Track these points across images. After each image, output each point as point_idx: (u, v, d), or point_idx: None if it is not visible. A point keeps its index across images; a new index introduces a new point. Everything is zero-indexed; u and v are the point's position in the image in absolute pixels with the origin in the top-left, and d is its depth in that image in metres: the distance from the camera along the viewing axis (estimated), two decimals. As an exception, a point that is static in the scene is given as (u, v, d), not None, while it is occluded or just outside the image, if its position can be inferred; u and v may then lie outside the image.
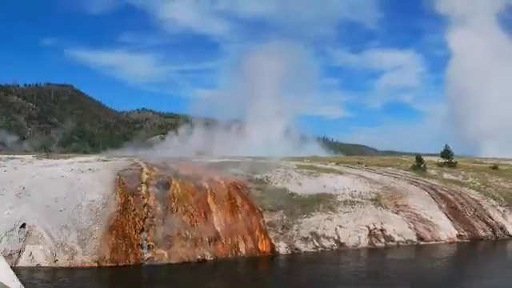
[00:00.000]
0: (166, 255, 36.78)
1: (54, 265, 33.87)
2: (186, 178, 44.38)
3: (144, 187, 41.48)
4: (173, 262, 36.34)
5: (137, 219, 38.35)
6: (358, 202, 47.57)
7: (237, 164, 55.39)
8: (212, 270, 36.18)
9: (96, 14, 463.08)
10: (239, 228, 40.93)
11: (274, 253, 40.43)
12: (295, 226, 43.08)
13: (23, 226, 35.19)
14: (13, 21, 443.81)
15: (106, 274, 33.89)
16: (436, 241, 46.08)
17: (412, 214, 47.71)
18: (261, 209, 43.92)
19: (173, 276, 34.45)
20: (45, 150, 72.09)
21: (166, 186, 42.26)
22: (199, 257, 37.42)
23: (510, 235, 49.37)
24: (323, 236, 43.09)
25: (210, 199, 42.41)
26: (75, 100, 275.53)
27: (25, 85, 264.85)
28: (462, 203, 51.19)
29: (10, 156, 54.96)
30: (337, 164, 63.03)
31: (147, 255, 36.51)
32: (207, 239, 38.82)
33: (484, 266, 40.47)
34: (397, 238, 45.11)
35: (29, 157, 54.76)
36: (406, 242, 44.95)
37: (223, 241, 39.45)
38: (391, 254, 42.55)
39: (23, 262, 33.65)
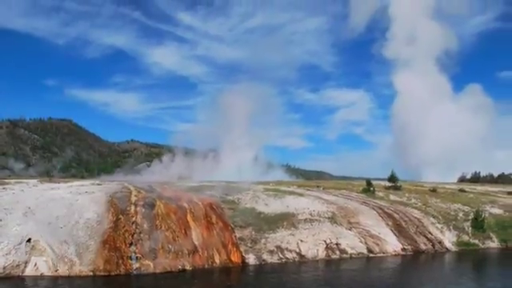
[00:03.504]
0: (151, 266, 38.04)
1: (55, 274, 35.16)
2: (169, 199, 45.60)
3: (133, 207, 42.67)
4: (157, 271, 37.66)
5: (126, 235, 39.63)
6: (316, 219, 49.22)
7: (212, 187, 56.63)
8: (191, 279, 37.31)
9: (92, 58, 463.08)
10: (214, 242, 42.29)
11: (244, 263, 41.90)
12: (262, 241, 44.62)
13: (29, 240, 36.35)
14: (20, 64, 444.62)
15: (100, 282, 35.03)
16: (383, 253, 47.81)
17: (363, 230, 49.36)
18: (233, 225, 45.52)
19: (158, 283, 35.74)
20: (47, 175, 72.34)
21: (152, 206, 43.48)
22: (180, 267, 38.84)
23: (447, 248, 51.20)
24: (286, 249, 44.59)
25: (189, 217, 43.89)
26: (74, 132, 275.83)
27: (30, 119, 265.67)
28: (405, 221, 52.89)
29: (17, 181, 55.70)
30: (298, 187, 64.36)
31: (135, 266, 37.76)
32: (187, 252, 40.17)
33: (425, 274, 42.06)
34: (350, 251, 46.76)
35: (34, 181, 55.45)
36: (358, 255, 46.70)
37: (200, 253, 40.80)
38: (345, 264, 44.11)
39: (29, 271, 34.90)
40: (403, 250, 48.75)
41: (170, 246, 40.19)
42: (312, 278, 38.61)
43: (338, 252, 46.00)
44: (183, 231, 42.11)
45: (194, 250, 40.80)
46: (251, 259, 42.48)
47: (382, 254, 47.56)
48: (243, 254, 42.76)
